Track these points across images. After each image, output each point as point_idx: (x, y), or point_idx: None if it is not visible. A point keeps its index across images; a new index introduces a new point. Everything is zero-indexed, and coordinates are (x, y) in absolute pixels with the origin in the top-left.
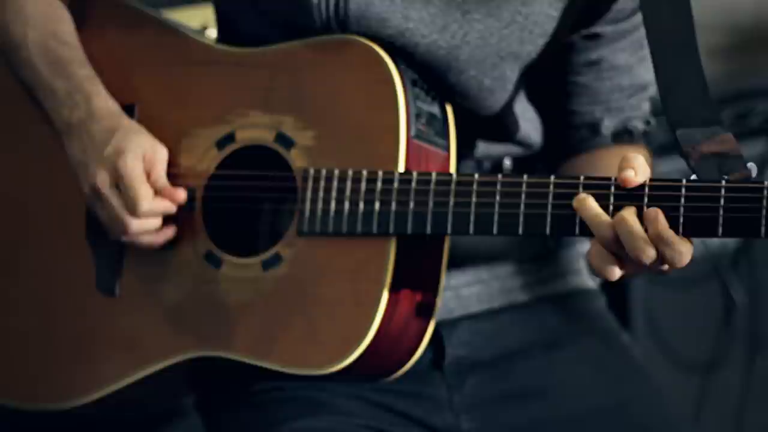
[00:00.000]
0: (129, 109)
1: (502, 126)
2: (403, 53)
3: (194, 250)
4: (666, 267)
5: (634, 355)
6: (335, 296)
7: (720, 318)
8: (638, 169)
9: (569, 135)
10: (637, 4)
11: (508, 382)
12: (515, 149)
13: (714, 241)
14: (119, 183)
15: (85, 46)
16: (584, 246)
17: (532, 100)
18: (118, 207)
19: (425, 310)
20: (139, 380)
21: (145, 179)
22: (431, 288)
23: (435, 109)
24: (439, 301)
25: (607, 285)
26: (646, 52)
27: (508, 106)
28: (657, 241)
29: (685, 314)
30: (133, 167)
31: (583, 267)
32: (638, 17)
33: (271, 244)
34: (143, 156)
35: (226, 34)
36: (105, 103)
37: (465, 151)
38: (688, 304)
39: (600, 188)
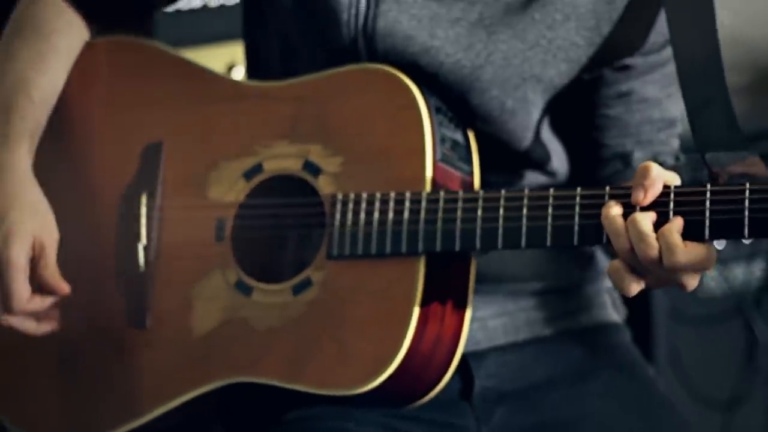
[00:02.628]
0: (156, 146)
1: (525, 152)
2: (426, 72)
3: (224, 278)
4: (680, 280)
5: (659, 388)
6: (366, 316)
7: (743, 355)
8: (649, 189)
9: (600, 168)
10: (667, 37)
11: (535, 415)
12: (539, 177)
13: (737, 279)
14: (1, 273)
15: (114, 86)
16: (608, 281)
17: (559, 132)
18: None
19: (454, 330)
20: (168, 411)
21: (25, 276)
22: (459, 308)
23: (458, 136)
24: (467, 323)
25: (631, 320)
26: (675, 88)
27: (531, 130)
28: (660, 240)
29: (708, 351)
30: (15, 259)
31: (608, 301)
32: (669, 51)
33: (300, 270)
34: (32, 244)
35: (254, 67)
36: (13, 173)
37: (487, 179)
38: (711, 341)
39: (626, 197)
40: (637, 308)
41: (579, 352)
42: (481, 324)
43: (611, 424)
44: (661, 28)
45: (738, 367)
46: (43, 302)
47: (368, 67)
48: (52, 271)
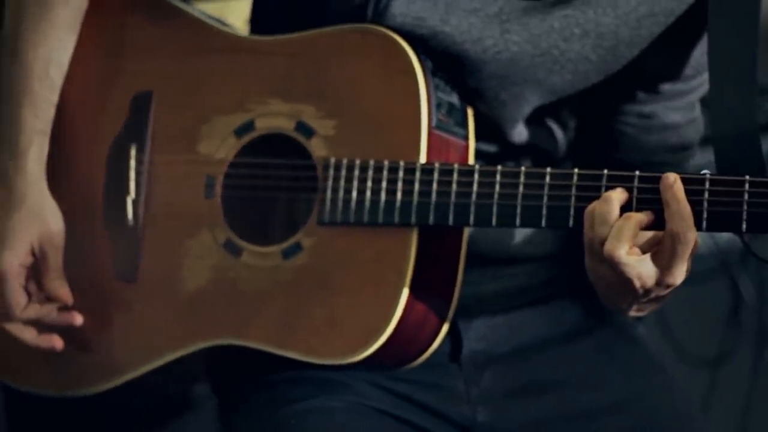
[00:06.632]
0: (146, 96)
1: (515, 134)
2: (429, 52)
3: (213, 237)
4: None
5: (648, 347)
6: (356, 286)
7: (728, 313)
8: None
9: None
10: (695, 70)
11: (524, 376)
12: (530, 151)
13: (723, 237)
14: None
15: (105, 31)
16: None
17: (567, 132)
18: None
19: (444, 302)
20: (158, 375)
21: (17, 284)
22: (450, 280)
23: (454, 99)
24: (457, 294)
25: None
26: (697, 113)
27: (520, 119)
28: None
29: (694, 309)
30: (4, 266)
31: None
32: (697, 80)
33: (290, 233)
34: (28, 250)
35: (257, 27)
36: (22, 176)
37: (478, 147)
38: (697, 299)
39: (624, 181)
40: None
41: (569, 313)
42: (472, 289)
43: (599, 385)
44: (694, 62)
45: (723, 325)
46: (41, 310)
47: (365, 28)
48: (52, 278)
